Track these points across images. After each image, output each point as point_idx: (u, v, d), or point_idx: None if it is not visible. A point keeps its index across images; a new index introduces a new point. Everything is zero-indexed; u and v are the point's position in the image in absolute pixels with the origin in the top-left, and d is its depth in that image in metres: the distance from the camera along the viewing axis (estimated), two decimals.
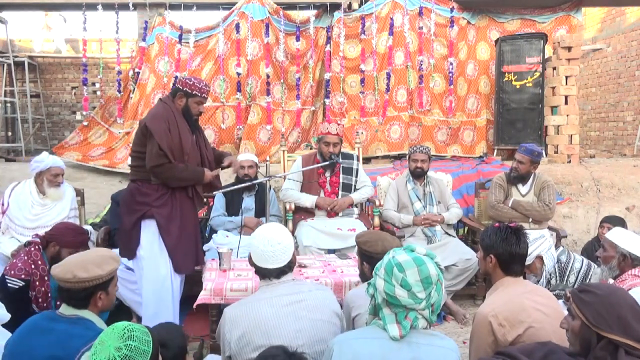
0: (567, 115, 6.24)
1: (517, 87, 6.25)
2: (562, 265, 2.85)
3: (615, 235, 2.51)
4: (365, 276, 2.37)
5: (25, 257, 2.91)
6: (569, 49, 6.16)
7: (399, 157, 6.34)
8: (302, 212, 4.09)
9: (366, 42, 6.53)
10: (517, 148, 4.26)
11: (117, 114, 6.37)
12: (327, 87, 6.50)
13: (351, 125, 6.43)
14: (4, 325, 2.22)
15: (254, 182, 3.69)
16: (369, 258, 2.30)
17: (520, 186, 4.20)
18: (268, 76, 6.38)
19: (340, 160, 4.10)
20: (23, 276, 2.84)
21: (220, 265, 3.07)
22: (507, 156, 6.48)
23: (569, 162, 6.21)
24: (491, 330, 1.92)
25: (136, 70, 6.32)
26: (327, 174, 4.15)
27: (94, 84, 8.72)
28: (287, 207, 4.07)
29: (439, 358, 1.64)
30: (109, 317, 2.50)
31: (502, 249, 2.10)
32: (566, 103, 6.22)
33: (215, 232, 4.00)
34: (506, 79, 6.30)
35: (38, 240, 3.00)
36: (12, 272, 2.84)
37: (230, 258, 3.12)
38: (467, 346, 2.37)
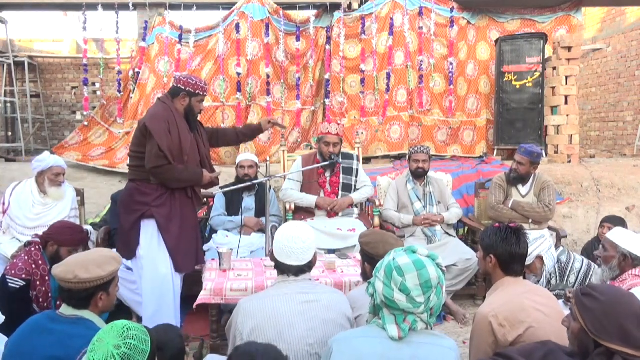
0: (567, 115, 6.24)
1: (517, 87, 6.26)
2: (562, 265, 2.85)
3: (615, 235, 2.51)
4: (366, 276, 2.38)
5: (26, 257, 2.91)
6: (569, 49, 6.16)
7: (399, 157, 6.33)
8: (302, 212, 4.09)
9: (366, 42, 6.53)
10: (517, 149, 4.26)
11: (117, 114, 6.37)
12: (327, 87, 6.50)
13: (351, 125, 6.43)
14: (4, 325, 2.22)
15: (254, 182, 3.69)
16: (370, 259, 2.30)
17: (520, 187, 4.20)
18: (268, 76, 6.38)
19: (340, 160, 4.10)
20: (24, 276, 2.84)
21: (220, 265, 3.07)
22: (507, 156, 6.48)
23: (569, 162, 6.21)
24: (491, 331, 1.92)
25: (136, 70, 6.32)
26: (327, 174, 4.15)
27: (94, 84, 8.72)
28: (287, 207, 4.07)
29: (438, 357, 1.63)
30: (108, 317, 2.50)
31: (502, 249, 2.10)
32: (566, 103, 6.22)
33: (215, 232, 4.00)
34: (506, 79, 6.30)
35: (38, 240, 3.00)
36: (13, 272, 2.84)
37: (230, 258, 3.12)
38: (467, 346, 2.38)
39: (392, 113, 6.50)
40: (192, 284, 3.24)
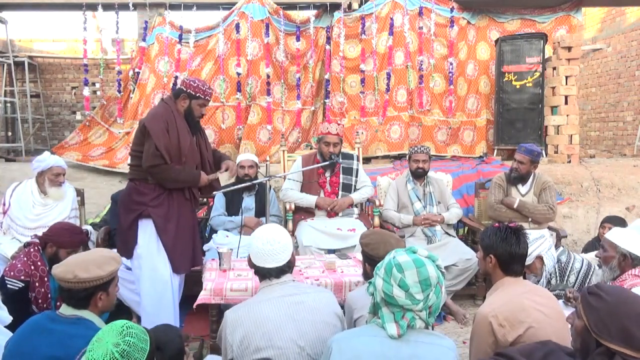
0: (567, 115, 6.24)
1: (517, 87, 6.25)
2: (562, 265, 2.85)
3: (615, 235, 2.51)
4: (367, 276, 2.37)
5: (25, 258, 2.91)
6: (569, 49, 6.16)
7: (399, 157, 6.33)
8: (302, 212, 4.09)
9: (366, 42, 6.53)
10: (517, 148, 4.26)
11: (117, 114, 6.37)
12: (327, 87, 6.50)
13: (351, 125, 6.43)
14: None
15: (254, 182, 3.69)
16: (370, 260, 2.30)
17: (520, 186, 4.20)
18: (268, 76, 6.38)
19: (340, 160, 4.10)
20: (23, 277, 2.84)
21: (220, 265, 3.07)
22: (507, 156, 6.48)
23: (569, 162, 6.21)
24: (491, 331, 1.92)
25: (136, 70, 6.32)
26: (327, 174, 4.15)
27: (94, 84, 8.72)
28: (287, 207, 4.07)
29: (437, 356, 1.64)
30: (108, 317, 2.50)
31: (501, 249, 2.10)
32: (566, 103, 6.22)
33: (215, 232, 4.00)
34: (506, 79, 6.29)
35: (37, 241, 3.00)
36: (12, 273, 2.84)
37: (230, 258, 3.12)
38: (467, 346, 2.38)
39: (392, 113, 6.50)
40: (192, 284, 3.24)
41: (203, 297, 2.76)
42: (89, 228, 3.96)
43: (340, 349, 1.65)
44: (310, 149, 5.63)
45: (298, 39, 6.47)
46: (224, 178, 3.79)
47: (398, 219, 4.19)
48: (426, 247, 3.89)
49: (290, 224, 4.01)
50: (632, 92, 8.74)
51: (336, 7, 6.51)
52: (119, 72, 6.47)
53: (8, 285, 2.80)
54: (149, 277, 3.03)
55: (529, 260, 2.60)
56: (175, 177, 3.07)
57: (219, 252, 3.12)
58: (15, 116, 7.92)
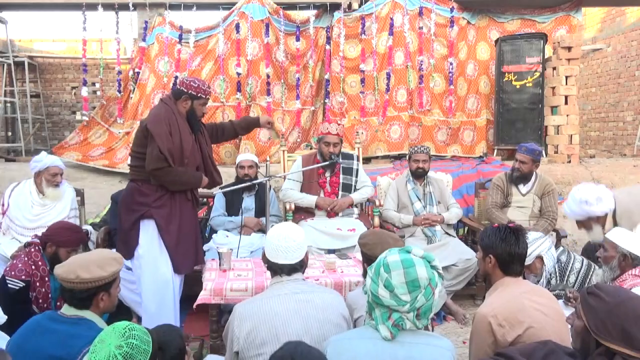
0: (567, 115, 6.24)
1: (517, 87, 6.26)
2: (562, 265, 2.85)
3: (615, 235, 2.51)
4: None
5: (26, 258, 2.91)
6: (569, 49, 6.17)
7: (399, 157, 6.34)
8: (302, 212, 4.09)
9: (366, 42, 6.53)
10: (517, 148, 4.26)
11: (117, 114, 6.37)
12: (327, 87, 6.50)
13: (351, 125, 6.43)
14: (4, 327, 2.22)
15: (254, 182, 3.69)
16: (369, 260, 2.30)
17: (521, 186, 4.19)
18: (268, 76, 6.38)
19: (340, 160, 4.10)
20: (23, 277, 2.84)
21: (220, 265, 3.07)
22: (507, 156, 6.48)
23: (569, 162, 6.21)
24: (491, 331, 1.92)
25: (136, 70, 6.32)
26: (327, 174, 4.15)
27: (94, 84, 8.72)
28: (287, 207, 4.07)
29: (434, 357, 1.63)
30: (109, 317, 2.51)
31: (501, 249, 2.10)
32: (566, 103, 6.22)
33: (215, 232, 4.00)
34: (506, 79, 6.30)
35: (37, 241, 3.00)
36: (13, 273, 2.84)
37: (230, 258, 3.12)
38: (467, 346, 2.38)
39: (392, 113, 6.50)
40: (192, 284, 3.24)
41: (203, 297, 2.76)
42: (89, 228, 3.96)
43: (335, 351, 1.65)
44: (310, 149, 5.63)
45: (298, 39, 6.47)
46: (225, 177, 3.79)
47: (398, 219, 4.19)
48: (426, 247, 3.89)
49: None
50: (632, 92, 8.74)
51: (336, 7, 6.52)
52: (119, 72, 6.47)
53: (9, 285, 2.80)
54: (150, 277, 3.03)
55: (528, 260, 2.60)
56: (179, 179, 3.08)
57: (219, 252, 3.12)
58: (15, 116, 7.92)
